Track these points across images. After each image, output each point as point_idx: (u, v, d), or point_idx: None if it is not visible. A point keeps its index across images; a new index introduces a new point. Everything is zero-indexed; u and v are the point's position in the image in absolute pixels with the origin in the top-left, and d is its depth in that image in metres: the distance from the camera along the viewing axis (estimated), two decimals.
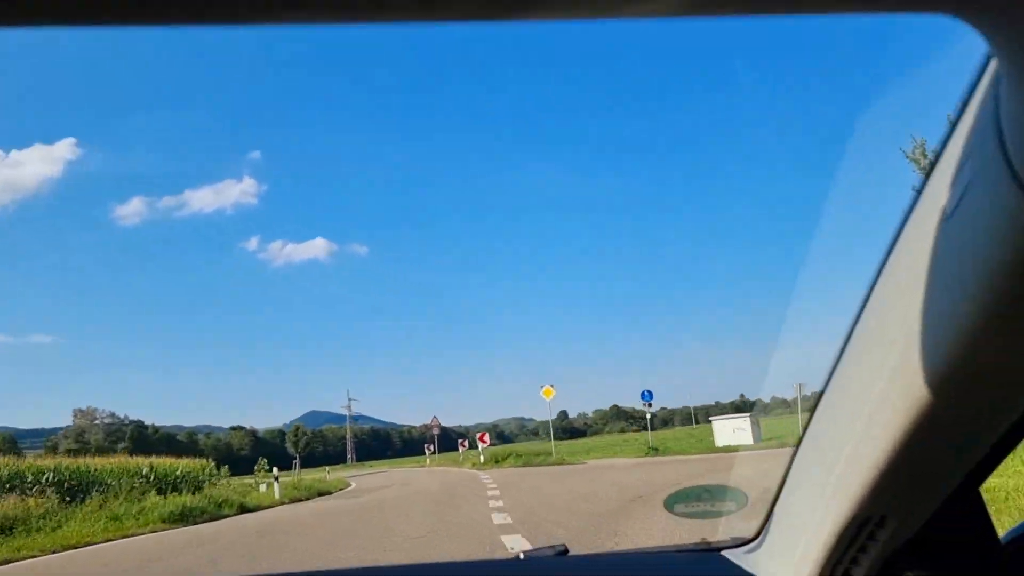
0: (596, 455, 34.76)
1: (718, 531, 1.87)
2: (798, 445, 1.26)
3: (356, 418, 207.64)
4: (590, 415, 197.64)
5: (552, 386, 34.52)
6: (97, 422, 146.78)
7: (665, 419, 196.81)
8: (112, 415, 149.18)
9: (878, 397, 0.93)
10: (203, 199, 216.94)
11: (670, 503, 1.89)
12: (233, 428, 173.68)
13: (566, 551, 1.84)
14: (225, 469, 33.46)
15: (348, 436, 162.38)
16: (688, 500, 1.86)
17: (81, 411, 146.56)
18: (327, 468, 70.25)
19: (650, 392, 33.12)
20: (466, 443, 40.82)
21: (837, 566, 1.13)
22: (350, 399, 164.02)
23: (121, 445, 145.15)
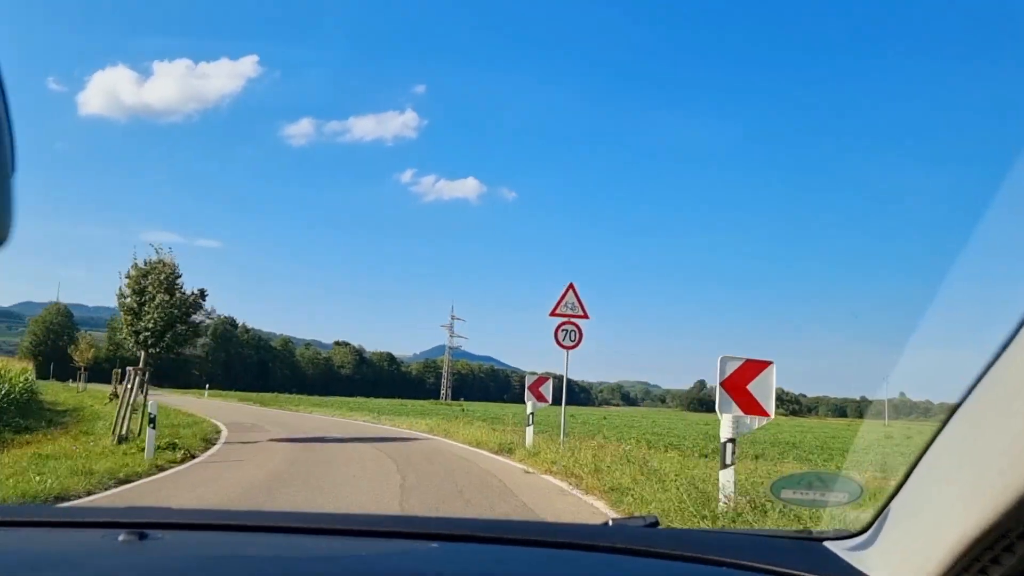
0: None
1: (821, 520, 1.88)
2: (928, 446, 1.22)
3: (482, 357, 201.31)
4: None
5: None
6: None
7: (809, 406, 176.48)
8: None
9: None
10: (365, 127, 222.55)
11: (777, 488, 1.85)
12: (337, 343, 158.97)
13: (656, 523, 1.79)
14: None
15: (445, 369, 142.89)
16: (797, 486, 1.82)
17: None
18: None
19: None
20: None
21: (963, 574, 1.09)
22: (451, 324, 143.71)
23: (202, 340, 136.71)
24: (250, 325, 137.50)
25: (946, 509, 1.10)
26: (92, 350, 55.56)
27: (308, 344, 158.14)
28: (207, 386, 58.63)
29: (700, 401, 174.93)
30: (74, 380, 60.77)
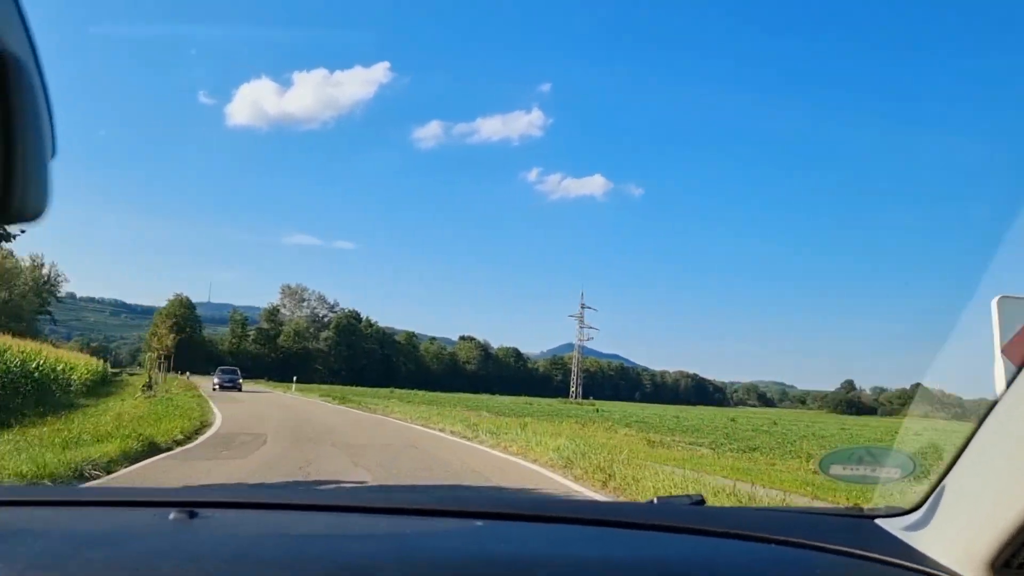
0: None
1: (873, 496, 1.80)
2: (982, 421, 1.23)
3: (609, 355, 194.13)
4: (891, 390, 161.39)
5: None
6: (304, 303, 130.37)
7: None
8: (320, 298, 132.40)
9: None
10: (492, 127, 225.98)
11: (826, 464, 1.82)
12: (462, 338, 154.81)
13: (703, 501, 1.81)
14: None
15: (575, 364, 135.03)
16: (847, 462, 1.79)
17: (289, 288, 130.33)
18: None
19: None
20: None
21: (1018, 553, 1.09)
22: (581, 313, 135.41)
23: (324, 334, 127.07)
24: (376, 322, 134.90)
25: (1003, 487, 1.10)
26: (171, 336, 52.68)
27: (433, 339, 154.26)
28: (295, 379, 53.96)
29: (848, 403, 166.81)
30: (188, 373, 57.99)
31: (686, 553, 1.44)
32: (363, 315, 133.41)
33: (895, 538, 1.41)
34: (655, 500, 1.84)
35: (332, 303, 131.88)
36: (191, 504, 1.55)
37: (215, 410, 22.10)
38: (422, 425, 20.79)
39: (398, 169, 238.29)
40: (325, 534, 1.51)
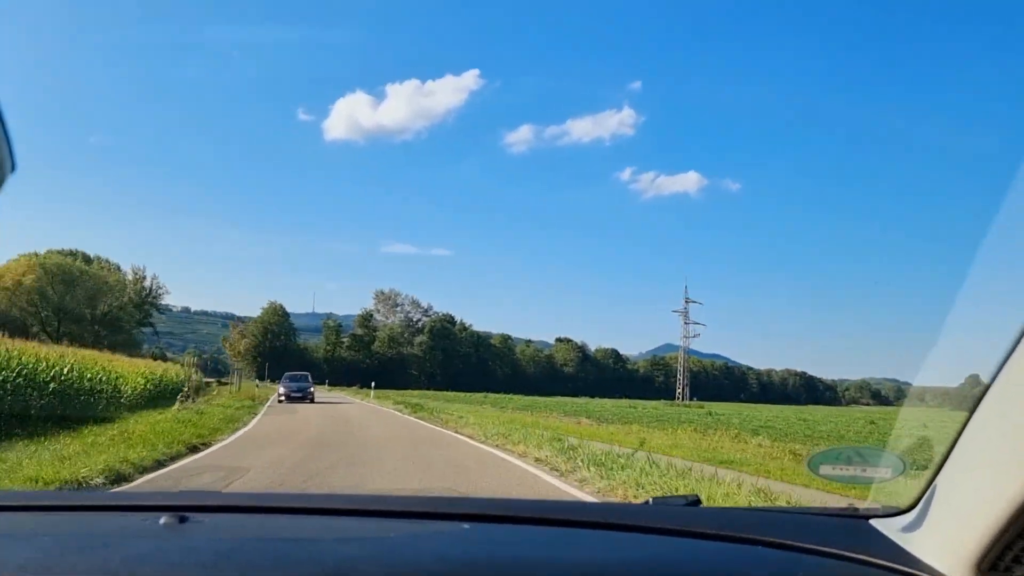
0: None
1: (867, 497, 1.79)
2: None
3: (711, 355, 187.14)
4: None
5: None
6: (398, 308, 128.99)
7: None
8: (414, 302, 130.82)
9: None
10: (583, 128, 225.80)
11: (815, 463, 1.81)
12: (559, 340, 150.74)
13: (699, 501, 1.80)
14: None
15: (681, 364, 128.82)
16: (836, 462, 1.78)
17: (383, 293, 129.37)
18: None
19: None
20: None
21: (1007, 551, 1.09)
22: (686, 309, 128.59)
23: (419, 339, 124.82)
24: (471, 325, 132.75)
25: (986, 486, 1.10)
26: (244, 341, 51.27)
27: (528, 342, 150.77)
28: (372, 385, 51.14)
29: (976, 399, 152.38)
30: (269, 381, 56.72)
31: (679, 555, 1.43)
32: (457, 319, 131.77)
33: (889, 540, 1.40)
34: (650, 501, 1.82)
35: (426, 307, 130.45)
36: (182, 508, 1.58)
37: (245, 426, 19.13)
38: (498, 447, 15.35)
39: (491, 174, 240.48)
40: (311, 537, 1.51)
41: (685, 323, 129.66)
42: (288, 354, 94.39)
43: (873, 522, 1.51)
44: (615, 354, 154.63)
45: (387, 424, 22.88)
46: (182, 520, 1.48)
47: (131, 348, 62.53)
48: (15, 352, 17.29)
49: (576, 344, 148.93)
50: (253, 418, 22.37)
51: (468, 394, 78.71)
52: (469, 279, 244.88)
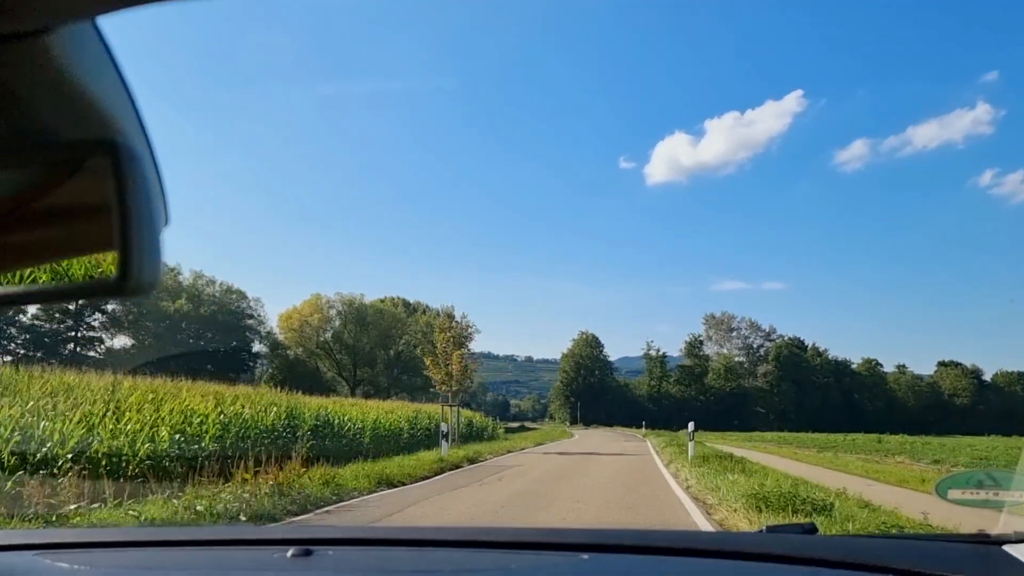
0: None
1: (999, 522, 1.70)
2: None
3: None
4: None
5: None
6: (734, 333, 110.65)
7: None
8: (753, 325, 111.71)
9: None
10: (927, 134, 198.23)
11: (943, 488, 1.78)
12: (942, 364, 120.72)
13: (815, 529, 1.75)
14: None
15: None
16: (966, 486, 1.74)
17: (714, 317, 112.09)
18: None
19: None
20: None
21: None
22: None
23: (762, 369, 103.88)
24: (826, 350, 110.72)
25: None
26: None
27: (901, 367, 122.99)
28: (643, 424, 37.44)
29: None
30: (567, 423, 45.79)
31: None
32: (808, 342, 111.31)
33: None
34: (764, 529, 1.77)
35: (767, 330, 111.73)
36: (308, 542, 1.64)
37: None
38: None
39: (822, 198, 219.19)
40: (429, 569, 1.58)
41: None
42: (605, 392, 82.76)
43: (1006, 548, 1.44)
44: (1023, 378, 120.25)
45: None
46: (308, 553, 1.54)
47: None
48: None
49: (966, 368, 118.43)
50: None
51: (829, 436, 61.52)
52: (806, 310, 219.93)
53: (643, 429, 59.72)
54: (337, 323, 63.85)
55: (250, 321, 58.09)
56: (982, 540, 1.52)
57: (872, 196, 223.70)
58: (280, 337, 61.50)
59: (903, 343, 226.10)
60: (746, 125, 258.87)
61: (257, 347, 61.26)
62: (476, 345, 78.20)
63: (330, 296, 64.17)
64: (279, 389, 23.29)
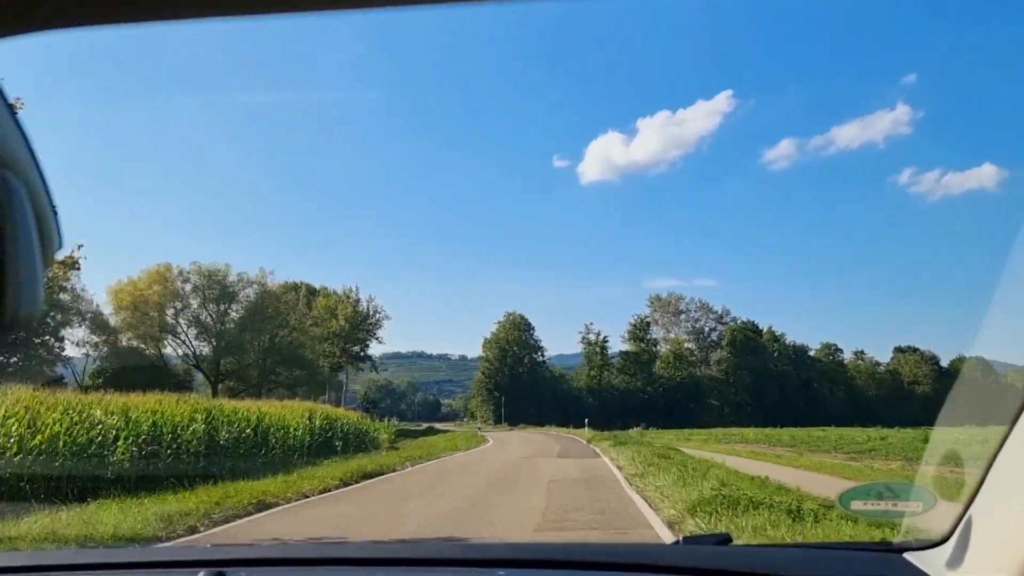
0: None
1: (901, 530, 1.82)
2: (1003, 443, 1.19)
3: None
4: None
5: None
6: (682, 315, 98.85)
7: None
8: (704, 306, 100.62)
9: None
10: (850, 134, 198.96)
11: (846, 499, 1.83)
12: (899, 350, 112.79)
13: (729, 539, 1.79)
14: None
15: None
16: (867, 498, 1.79)
17: (659, 299, 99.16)
18: None
19: None
20: None
21: None
22: None
23: (716, 355, 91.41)
24: (783, 334, 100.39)
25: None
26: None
27: (859, 352, 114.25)
28: (586, 422, 27.79)
29: None
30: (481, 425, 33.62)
31: None
32: (763, 326, 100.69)
33: (924, 574, 1.39)
34: (680, 540, 1.82)
35: (720, 312, 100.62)
36: (220, 563, 1.61)
37: None
38: None
39: (752, 195, 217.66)
40: None
41: None
42: (536, 384, 69.26)
43: (907, 555, 1.50)
44: (983, 365, 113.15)
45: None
46: None
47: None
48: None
49: (924, 354, 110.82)
50: None
51: (796, 431, 53.02)
52: (741, 308, 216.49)
53: (586, 430, 47.71)
54: (194, 303, 49.90)
55: (63, 296, 43.55)
56: (886, 548, 1.59)
57: (800, 194, 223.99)
58: (113, 320, 47.38)
59: (852, 328, 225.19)
60: (678, 124, 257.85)
61: (79, 333, 46.77)
62: (407, 345, 66.22)
63: (184, 266, 50.22)
64: (104, 390, 19.27)
